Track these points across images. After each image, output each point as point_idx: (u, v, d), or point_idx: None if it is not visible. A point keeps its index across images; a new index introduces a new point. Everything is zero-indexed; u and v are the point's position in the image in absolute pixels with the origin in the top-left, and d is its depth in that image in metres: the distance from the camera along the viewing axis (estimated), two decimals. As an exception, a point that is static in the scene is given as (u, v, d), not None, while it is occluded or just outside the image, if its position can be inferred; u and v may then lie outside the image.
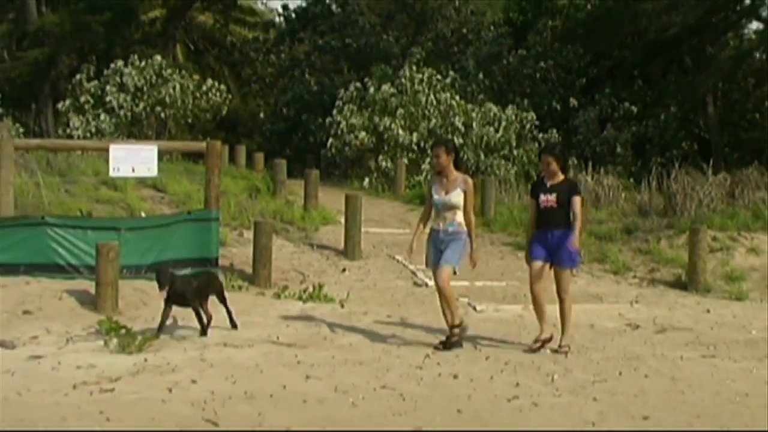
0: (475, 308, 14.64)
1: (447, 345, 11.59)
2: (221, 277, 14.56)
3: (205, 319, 12.01)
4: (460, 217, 11.57)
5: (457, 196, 11.53)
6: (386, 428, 8.22)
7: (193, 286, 12.03)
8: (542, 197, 11.56)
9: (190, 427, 8.06)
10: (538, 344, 11.58)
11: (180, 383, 9.58)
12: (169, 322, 12.00)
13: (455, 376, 10.12)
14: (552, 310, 11.89)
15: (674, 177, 22.30)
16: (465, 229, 11.59)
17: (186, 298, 11.84)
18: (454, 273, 11.62)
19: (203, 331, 11.92)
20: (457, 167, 11.77)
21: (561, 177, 11.66)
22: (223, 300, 12.51)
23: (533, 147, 33.61)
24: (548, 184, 11.61)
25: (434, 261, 11.66)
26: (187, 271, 13.92)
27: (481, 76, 38.48)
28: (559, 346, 11.59)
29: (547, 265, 11.63)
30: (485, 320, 13.82)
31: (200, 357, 10.80)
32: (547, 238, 11.53)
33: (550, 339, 11.66)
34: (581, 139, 36.78)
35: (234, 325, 12.35)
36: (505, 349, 11.70)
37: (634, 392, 9.69)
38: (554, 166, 11.58)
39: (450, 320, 11.70)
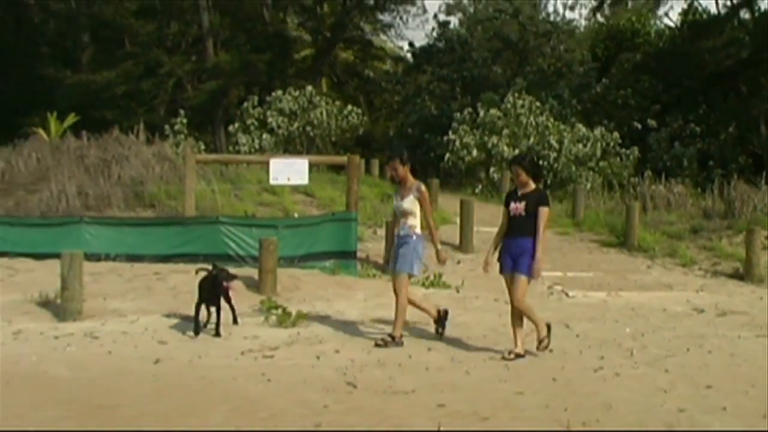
0: (567, 294, 14.52)
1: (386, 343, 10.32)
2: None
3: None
4: (412, 221, 10.47)
5: (409, 202, 10.52)
6: (493, 392, 8.20)
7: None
8: (512, 205, 10.10)
9: (334, 388, 8.15)
10: (543, 344, 10.05)
11: (326, 352, 9.70)
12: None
13: (551, 350, 10.03)
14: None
15: (733, 186, 22.01)
16: (417, 232, 10.49)
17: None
18: (410, 277, 10.69)
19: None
20: (416, 176, 10.75)
21: (532, 187, 10.17)
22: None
23: (616, 161, 33.25)
24: (519, 193, 10.15)
25: (391, 262, 10.74)
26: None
27: (574, 102, 38.14)
28: (509, 352, 9.84)
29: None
30: (575, 304, 13.68)
31: (342, 331, 10.88)
32: (512, 245, 10.02)
33: (545, 337, 10.07)
34: (654, 155, 36.18)
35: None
36: (592, 329, 11.56)
37: (699, 365, 9.52)
38: (524, 176, 10.12)
39: (397, 328, 10.43)
